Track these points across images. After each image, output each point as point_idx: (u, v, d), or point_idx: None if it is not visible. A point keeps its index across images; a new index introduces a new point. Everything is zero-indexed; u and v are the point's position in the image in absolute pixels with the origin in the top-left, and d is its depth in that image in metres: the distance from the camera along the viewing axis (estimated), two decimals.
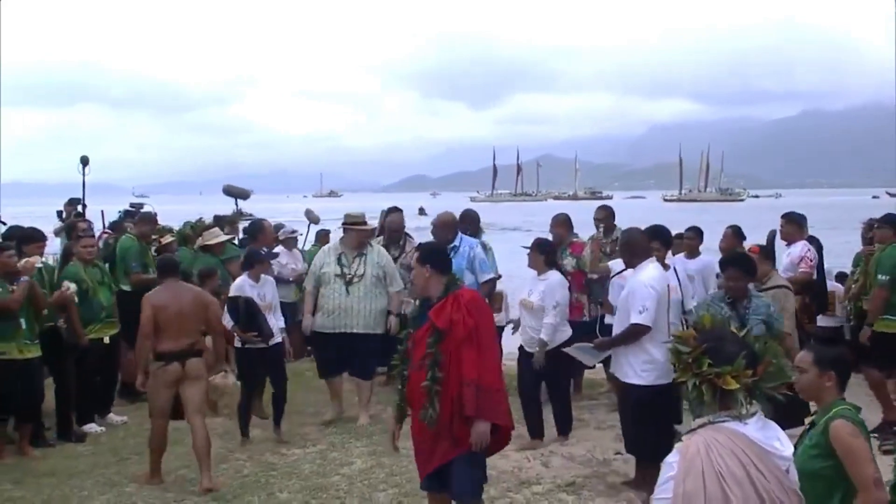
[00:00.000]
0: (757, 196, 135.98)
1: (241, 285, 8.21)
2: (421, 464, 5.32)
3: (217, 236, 10.38)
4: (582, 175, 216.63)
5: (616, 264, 8.08)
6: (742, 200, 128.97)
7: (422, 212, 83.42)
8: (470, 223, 9.81)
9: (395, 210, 10.25)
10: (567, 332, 7.88)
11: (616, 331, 6.81)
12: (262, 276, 8.39)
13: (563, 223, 9.60)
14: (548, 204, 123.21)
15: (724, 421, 3.05)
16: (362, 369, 8.80)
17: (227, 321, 7.99)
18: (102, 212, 14.28)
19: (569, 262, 9.21)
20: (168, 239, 11.46)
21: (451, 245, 8.54)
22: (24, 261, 7.87)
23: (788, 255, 8.95)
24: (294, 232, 12.38)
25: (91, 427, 8.77)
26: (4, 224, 12.40)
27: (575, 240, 9.59)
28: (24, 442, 8.03)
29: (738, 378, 3.03)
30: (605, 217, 9.82)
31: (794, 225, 9.15)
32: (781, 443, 3.11)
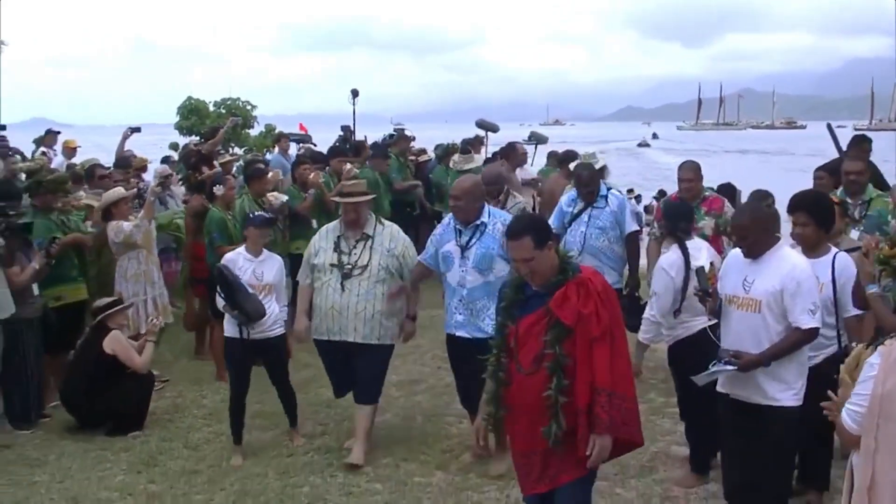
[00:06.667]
0: None
1: (234, 259, 6.06)
2: (527, 482, 3.92)
3: (471, 161, 10.80)
4: (778, 107, 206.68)
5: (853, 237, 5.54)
6: None
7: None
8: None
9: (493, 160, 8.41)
10: (693, 325, 5.21)
11: (760, 339, 4.24)
12: (266, 251, 6.20)
13: (694, 170, 6.81)
14: (747, 133, 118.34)
15: None
16: (361, 389, 6.01)
17: (220, 301, 6.03)
18: (365, 137, 15.63)
19: (706, 224, 6.64)
20: (424, 157, 12.42)
21: (477, 222, 5.57)
22: (311, 175, 8.75)
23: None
24: (524, 153, 12.98)
25: None
26: (315, 145, 14.18)
27: (709, 193, 6.95)
28: None
29: None
30: (862, 172, 6.23)
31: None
32: None
